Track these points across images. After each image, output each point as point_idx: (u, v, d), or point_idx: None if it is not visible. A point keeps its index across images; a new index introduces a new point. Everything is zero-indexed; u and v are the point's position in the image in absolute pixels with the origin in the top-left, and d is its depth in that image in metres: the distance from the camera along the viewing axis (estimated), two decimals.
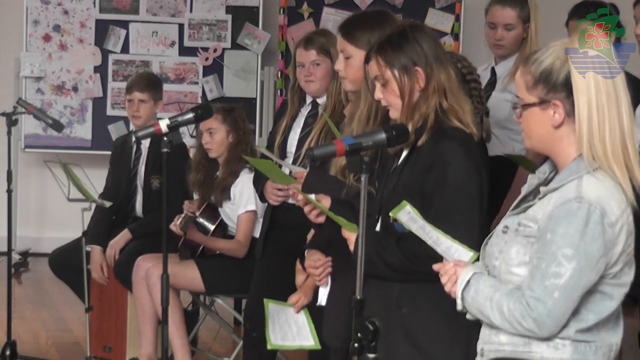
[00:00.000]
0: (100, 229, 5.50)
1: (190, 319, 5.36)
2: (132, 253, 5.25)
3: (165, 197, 3.92)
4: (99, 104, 8.20)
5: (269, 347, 3.89)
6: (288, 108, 4.50)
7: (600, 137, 2.56)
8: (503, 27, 4.72)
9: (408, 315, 3.05)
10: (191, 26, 8.19)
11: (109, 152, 5.91)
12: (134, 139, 5.43)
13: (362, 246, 2.73)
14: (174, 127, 3.85)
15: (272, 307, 3.94)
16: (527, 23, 4.70)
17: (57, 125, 5.51)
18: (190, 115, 3.92)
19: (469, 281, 2.65)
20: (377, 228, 3.15)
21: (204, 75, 8.21)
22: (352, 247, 3.04)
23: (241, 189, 5.07)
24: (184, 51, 8.20)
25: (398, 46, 3.12)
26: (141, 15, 8.19)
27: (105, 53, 8.20)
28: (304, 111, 4.47)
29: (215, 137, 5.09)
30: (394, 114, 3.14)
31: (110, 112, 8.20)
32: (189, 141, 5.98)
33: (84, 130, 8.20)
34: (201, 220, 5.08)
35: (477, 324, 2.74)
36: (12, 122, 5.26)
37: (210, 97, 8.16)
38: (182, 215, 4.93)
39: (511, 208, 2.73)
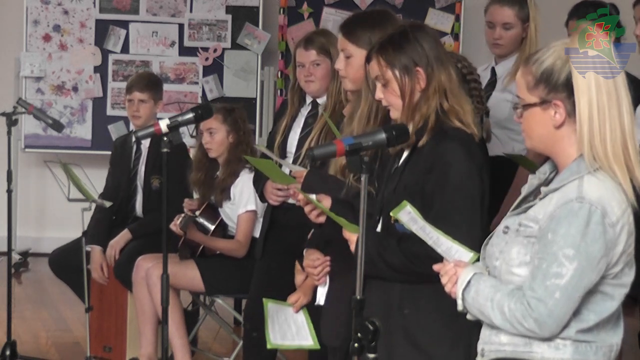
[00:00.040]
0: (100, 229, 5.50)
1: (190, 319, 5.36)
2: (132, 253, 5.25)
3: (165, 197, 3.92)
4: (99, 104, 8.20)
5: (268, 346, 3.89)
6: (288, 108, 4.51)
7: (601, 137, 2.56)
8: (501, 26, 4.72)
9: (409, 316, 3.05)
10: (191, 26, 8.19)
11: (109, 152, 5.91)
12: (134, 139, 5.43)
13: (362, 246, 2.73)
14: (174, 127, 3.85)
15: (271, 306, 3.95)
16: (527, 23, 4.70)
17: (57, 125, 5.51)
18: (190, 115, 3.92)
19: (469, 281, 2.65)
20: (378, 229, 3.15)
21: (204, 75, 8.21)
22: (353, 248, 3.04)
23: (241, 189, 5.07)
24: (184, 51, 8.20)
25: (399, 46, 3.11)
26: (141, 15, 8.19)
27: (105, 53, 8.20)
28: (304, 111, 4.47)
29: (216, 137, 5.10)
30: (395, 114, 3.14)
31: (110, 112, 8.21)
32: (189, 141, 5.98)
33: (84, 130, 8.20)
34: (201, 220, 5.08)
35: (477, 325, 2.74)
36: (12, 122, 5.26)
37: (210, 97, 8.16)
38: (182, 214, 4.93)
39: (511, 208, 2.73)
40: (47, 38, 8.16)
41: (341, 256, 3.39)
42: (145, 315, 5.08)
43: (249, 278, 4.73)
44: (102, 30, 8.18)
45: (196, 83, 8.22)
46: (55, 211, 8.31)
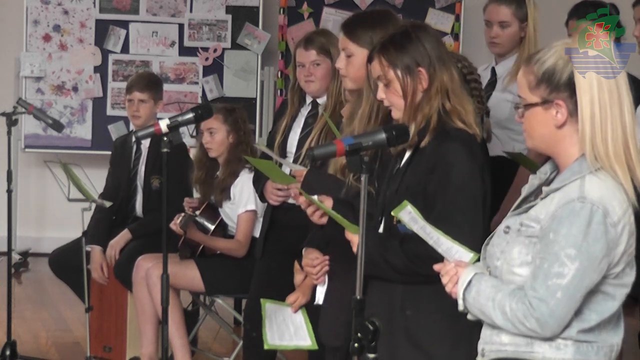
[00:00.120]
0: (100, 229, 5.50)
1: (190, 319, 5.36)
2: (132, 253, 5.25)
3: (165, 197, 3.92)
4: (99, 104, 8.20)
5: (265, 347, 3.89)
6: (288, 108, 4.51)
7: (603, 137, 2.56)
8: (498, 25, 4.72)
9: (411, 317, 3.05)
10: (191, 26, 8.19)
11: (109, 152, 5.91)
12: (134, 139, 5.43)
13: (362, 246, 2.73)
14: (174, 127, 3.85)
15: (269, 306, 3.95)
16: (525, 22, 4.70)
17: (57, 125, 5.51)
18: (190, 115, 3.92)
19: (470, 281, 2.65)
20: (380, 230, 3.15)
21: (204, 75, 8.21)
22: (355, 249, 3.04)
23: (241, 189, 5.07)
24: (184, 51, 8.20)
25: (401, 46, 3.11)
26: (141, 15, 8.19)
27: (105, 53, 8.20)
28: (304, 111, 4.47)
29: (216, 137, 5.10)
30: (397, 114, 3.14)
31: (110, 112, 8.21)
32: (189, 141, 5.98)
33: (84, 130, 8.20)
34: (201, 220, 5.08)
35: (478, 325, 2.74)
36: (12, 122, 5.26)
37: (210, 97, 8.16)
38: (182, 214, 4.93)
39: (512, 208, 2.73)
40: (47, 38, 8.16)
41: (340, 256, 3.39)
42: (145, 315, 5.08)
43: (249, 278, 4.73)
44: (102, 30, 8.18)
45: (196, 83, 8.22)
46: (55, 211, 8.31)
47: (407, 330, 3.06)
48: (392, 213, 2.85)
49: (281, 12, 8.17)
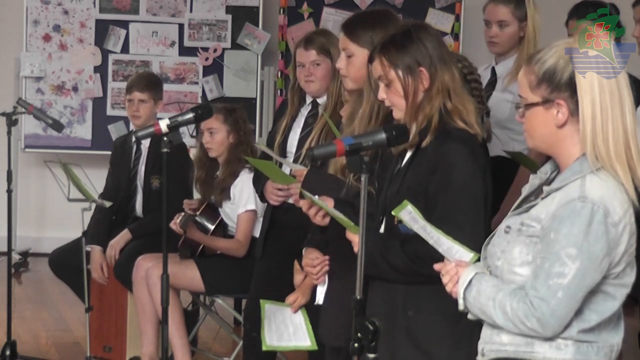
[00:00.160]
0: (100, 229, 5.50)
1: (190, 319, 5.36)
2: (132, 253, 5.25)
3: (165, 197, 3.92)
4: (99, 104, 8.20)
5: (263, 348, 3.89)
6: (288, 108, 4.51)
7: (604, 136, 2.56)
8: (497, 24, 4.73)
9: (412, 318, 3.05)
10: (191, 26, 8.19)
11: (109, 152, 5.91)
12: (134, 139, 5.43)
13: (362, 246, 2.73)
14: (174, 127, 3.85)
15: (268, 307, 3.94)
16: (524, 22, 4.70)
17: (57, 125, 5.51)
18: (190, 115, 3.93)
19: (470, 281, 2.65)
20: (381, 230, 3.15)
21: (204, 75, 8.21)
22: (356, 249, 3.03)
23: (241, 189, 5.07)
24: (184, 51, 8.20)
25: (402, 46, 3.11)
26: (141, 15, 8.19)
27: (105, 53, 8.20)
28: (304, 111, 4.47)
29: (216, 137, 5.10)
30: (398, 115, 3.13)
31: (110, 112, 8.21)
32: (189, 141, 5.98)
33: (84, 130, 8.20)
34: (201, 219, 5.08)
35: (479, 326, 2.74)
36: (12, 122, 5.26)
37: (210, 97, 8.16)
38: (182, 213, 4.93)
39: (513, 208, 2.73)
40: (47, 38, 8.16)
41: (341, 256, 3.39)
42: (146, 315, 5.08)
43: (249, 278, 4.73)
44: (102, 30, 8.18)
45: (196, 83, 8.22)
46: (55, 211, 8.31)
47: (408, 331, 3.05)
48: (393, 213, 2.85)
49: (281, 12, 8.17)
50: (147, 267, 5.01)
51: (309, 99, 4.48)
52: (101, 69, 8.20)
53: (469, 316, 2.71)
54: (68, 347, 5.86)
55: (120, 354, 5.37)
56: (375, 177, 3.27)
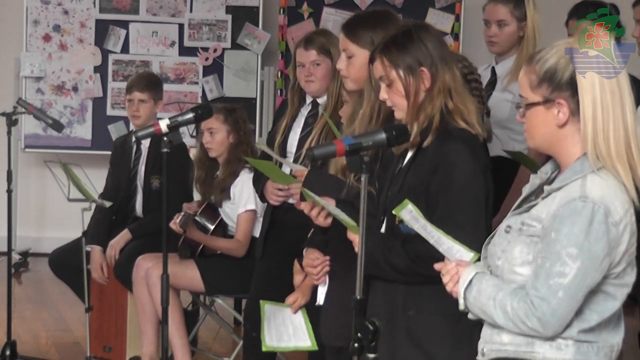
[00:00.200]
0: (100, 229, 5.50)
1: (190, 319, 5.36)
2: (132, 253, 5.25)
3: (165, 197, 3.92)
4: (99, 104, 8.20)
5: (263, 348, 3.89)
6: (288, 108, 4.51)
7: (605, 136, 2.56)
8: (496, 24, 4.73)
9: (413, 318, 3.05)
10: (191, 26, 8.19)
11: (109, 152, 5.91)
12: (134, 139, 5.43)
13: (362, 246, 2.73)
14: (174, 127, 3.85)
15: (268, 308, 3.94)
16: (523, 21, 4.70)
17: (57, 125, 5.51)
18: (190, 115, 3.93)
19: (471, 281, 2.65)
20: (382, 230, 3.15)
21: (204, 75, 8.21)
22: (357, 250, 3.03)
23: (241, 189, 5.07)
24: (184, 51, 8.20)
25: (403, 46, 3.11)
26: (141, 15, 8.19)
27: (105, 53, 8.20)
28: (304, 111, 4.47)
29: (216, 137, 5.10)
30: (399, 115, 3.13)
31: (110, 112, 8.21)
32: (189, 141, 5.98)
33: (84, 130, 8.20)
34: (201, 219, 5.08)
35: (480, 326, 2.74)
36: (12, 122, 5.26)
37: (210, 97, 8.16)
38: (182, 213, 4.93)
39: (513, 208, 2.73)
40: (47, 38, 8.16)
41: (341, 256, 3.39)
42: (146, 315, 5.08)
43: (249, 278, 4.73)
44: (102, 30, 8.18)
45: (196, 83, 8.22)
46: (55, 211, 8.31)
47: (408, 331, 3.05)
48: (393, 212, 2.85)
49: (281, 12, 8.17)
50: (147, 267, 5.01)
51: (309, 99, 4.48)
52: (101, 69, 8.20)
53: (470, 316, 2.71)
54: (68, 347, 5.86)
55: (120, 354, 5.37)
56: (376, 178, 3.27)
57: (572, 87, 2.58)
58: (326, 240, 3.56)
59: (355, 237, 3.01)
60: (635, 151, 2.59)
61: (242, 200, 5.06)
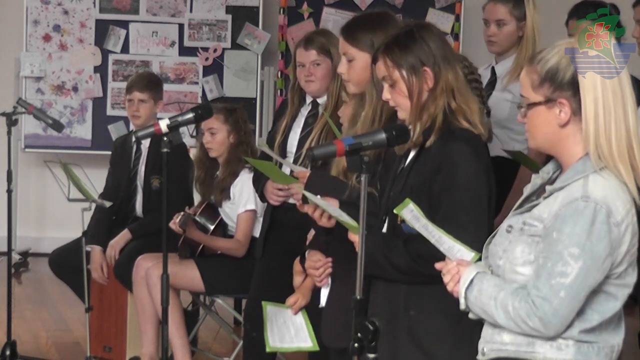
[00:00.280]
0: (100, 229, 5.50)
1: (190, 319, 5.36)
2: (132, 253, 5.25)
3: (165, 197, 3.92)
4: (99, 104, 8.20)
5: (267, 349, 3.89)
6: (288, 108, 4.51)
7: (607, 135, 2.56)
8: (495, 23, 4.73)
9: (414, 317, 3.05)
10: (191, 26, 8.19)
11: (109, 152, 5.91)
12: (134, 139, 5.43)
13: (362, 246, 2.73)
14: (174, 127, 3.85)
15: (270, 309, 3.95)
16: (523, 21, 4.70)
17: (57, 125, 5.51)
18: (190, 115, 3.93)
19: (472, 280, 2.65)
20: (384, 229, 3.15)
21: (204, 75, 8.22)
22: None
23: (241, 189, 5.07)
24: (184, 51, 8.20)
25: (405, 46, 3.10)
26: (141, 15, 8.19)
27: (105, 53, 8.20)
28: (304, 111, 4.48)
29: (217, 137, 5.10)
30: (402, 115, 3.13)
31: (110, 112, 8.21)
32: (189, 141, 5.98)
33: (84, 130, 8.20)
34: (201, 219, 5.08)
35: (480, 326, 2.74)
36: (12, 122, 5.26)
37: (210, 97, 8.17)
38: (182, 213, 4.93)
39: (514, 208, 2.72)
40: (47, 38, 8.16)
41: (343, 257, 3.38)
42: (146, 315, 5.08)
43: (249, 278, 4.73)
44: (102, 30, 8.18)
45: (196, 83, 8.22)
46: (55, 211, 8.31)
47: (409, 330, 3.05)
48: (395, 211, 2.84)
49: (281, 12, 8.17)
50: (147, 267, 5.01)
51: (309, 99, 4.48)
52: (101, 69, 8.20)
53: (470, 315, 2.71)
54: (68, 347, 5.86)
55: (120, 354, 5.37)
56: (378, 178, 3.27)
57: (573, 86, 2.58)
58: (328, 242, 3.55)
59: (356, 238, 3.01)
60: (637, 151, 2.59)
61: (242, 200, 5.06)
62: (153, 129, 3.88)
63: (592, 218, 2.52)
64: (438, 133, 3.05)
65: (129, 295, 5.30)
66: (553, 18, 5.48)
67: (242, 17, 8.19)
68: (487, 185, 3.04)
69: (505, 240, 2.68)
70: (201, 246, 5.05)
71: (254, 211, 5.06)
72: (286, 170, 4.12)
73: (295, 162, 4.30)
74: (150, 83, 5.62)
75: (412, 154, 3.13)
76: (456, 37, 8.11)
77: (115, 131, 8.02)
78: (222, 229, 5.14)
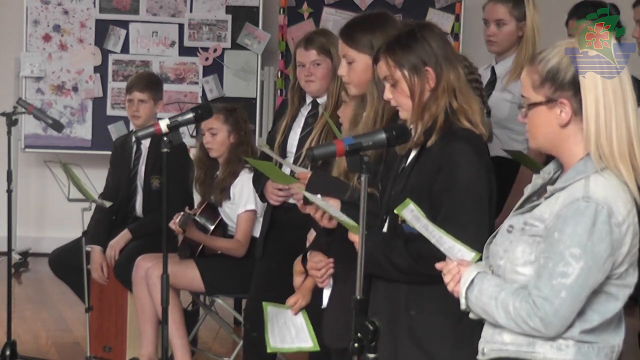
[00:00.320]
0: (100, 229, 5.50)
1: (190, 319, 5.36)
2: (132, 253, 5.25)
3: (165, 197, 3.92)
4: (99, 104, 8.20)
5: (268, 350, 3.89)
6: (288, 108, 4.51)
7: (607, 135, 2.56)
8: (494, 23, 4.73)
9: (415, 317, 3.05)
10: (191, 26, 8.19)
11: (109, 152, 5.91)
12: (134, 139, 5.43)
13: (362, 246, 2.73)
14: (174, 127, 3.85)
15: (270, 309, 3.95)
16: (522, 21, 4.70)
17: (57, 125, 5.51)
18: (190, 115, 3.93)
19: (472, 280, 2.65)
20: (384, 229, 3.15)
21: (204, 75, 8.22)
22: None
23: (241, 189, 5.07)
24: (184, 51, 8.20)
25: (407, 46, 3.10)
26: (141, 15, 8.19)
27: (105, 53, 8.20)
28: (304, 111, 4.48)
29: (217, 137, 5.10)
30: (404, 115, 3.13)
31: (110, 112, 8.21)
32: (189, 141, 5.98)
33: (84, 130, 8.20)
34: (201, 219, 5.08)
35: (481, 326, 2.74)
36: (12, 122, 5.26)
37: (210, 97, 8.17)
38: (182, 213, 4.93)
39: (515, 208, 2.72)
40: (47, 38, 8.16)
41: (344, 258, 3.38)
42: (145, 315, 5.08)
43: (249, 278, 4.73)
44: (102, 30, 8.18)
45: (196, 83, 8.23)
46: (55, 211, 8.31)
47: (410, 330, 3.05)
48: (395, 211, 2.84)
49: (281, 12, 8.17)
50: (147, 267, 5.01)
51: (309, 99, 4.48)
52: (101, 69, 8.20)
53: (471, 315, 2.71)
54: (68, 347, 5.86)
55: (120, 354, 5.37)
56: (379, 179, 3.27)
57: (574, 86, 2.58)
58: (329, 243, 3.55)
59: (356, 238, 3.01)
60: (637, 151, 2.58)
61: (242, 200, 5.06)
62: (153, 129, 3.88)
63: (593, 218, 2.52)
64: (439, 133, 3.05)
65: (129, 295, 5.30)
66: (553, 18, 5.49)
67: (242, 17, 8.19)
68: (488, 186, 3.04)
69: (506, 240, 2.68)
70: (201, 246, 5.05)
71: (254, 211, 5.06)
72: (286, 170, 4.12)
73: (295, 162, 4.30)
74: (150, 83, 5.62)
75: (413, 154, 3.13)
76: (456, 37, 8.12)
77: (115, 131, 8.02)
78: (222, 229, 5.14)
